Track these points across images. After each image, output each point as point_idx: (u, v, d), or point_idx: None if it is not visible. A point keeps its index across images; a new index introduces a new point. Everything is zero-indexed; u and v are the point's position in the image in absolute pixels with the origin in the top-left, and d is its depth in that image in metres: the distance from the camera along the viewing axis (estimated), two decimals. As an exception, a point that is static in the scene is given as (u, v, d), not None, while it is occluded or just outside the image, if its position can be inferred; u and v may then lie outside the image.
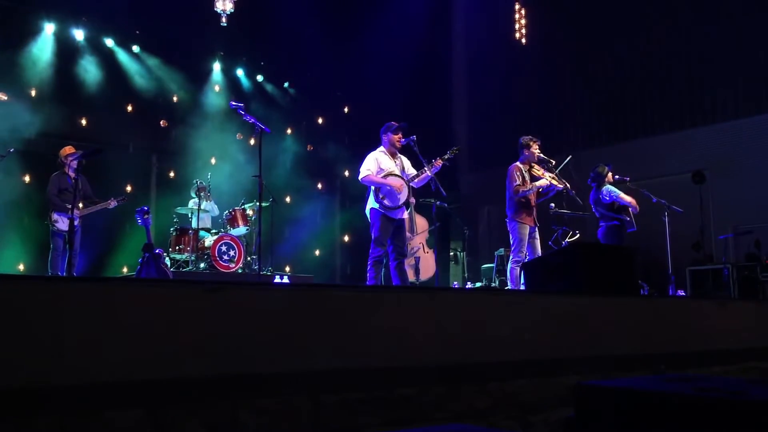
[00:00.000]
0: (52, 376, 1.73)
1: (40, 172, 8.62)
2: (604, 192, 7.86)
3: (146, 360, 1.88)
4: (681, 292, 8.98)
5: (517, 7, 13.16)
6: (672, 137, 11.13)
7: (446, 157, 6.39)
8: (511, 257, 6.92)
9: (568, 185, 6.93)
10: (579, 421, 1.79)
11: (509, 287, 7.09)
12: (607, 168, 8.06)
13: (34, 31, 9.67)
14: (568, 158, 7.27)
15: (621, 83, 11.93)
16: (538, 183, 6.84)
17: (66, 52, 9.86)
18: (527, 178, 6.88)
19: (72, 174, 7.50)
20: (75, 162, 7.46)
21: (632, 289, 4.64)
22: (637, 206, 7.84)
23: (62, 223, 7.43)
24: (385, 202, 6.20)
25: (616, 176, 8.06)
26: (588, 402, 1.79)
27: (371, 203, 6.31)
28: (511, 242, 6.90)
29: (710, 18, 10.72)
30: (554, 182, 6.88)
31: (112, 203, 7.89)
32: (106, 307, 1.86)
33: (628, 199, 7.81)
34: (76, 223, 7.16)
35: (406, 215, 6.38)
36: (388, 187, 6.24)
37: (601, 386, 1.84)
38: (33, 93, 9.43)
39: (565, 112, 12.59)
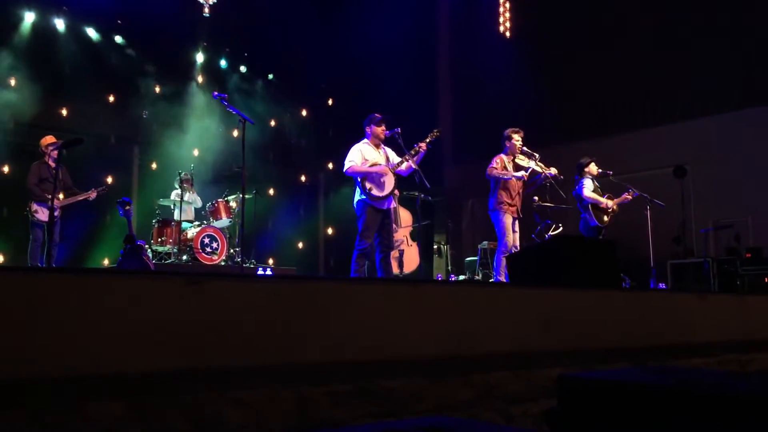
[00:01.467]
0: (31, 368, 1.71)
1: (20, 161, 8.52)
2: (579, 184, 7.96)
3: (127, 352, 1.86)
4: (662, 285, 9.06)
5: (501, 0, 13.19)
6: (654, 132, 11.22)
7: (427, 140, 6.41)
8: (498, 247, 6.98)
9: (555, 171, 7.01)
10: (561, 413, 1.81)
11: (494, 278, 7.13)
12: (588, 159, 8.11)
13: (15, 20, 9.50)
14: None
15: (604, 78, 11.98)
16: (517, 174, 6.91)
17: (47, 41, 9.71)
18: (510, 168, 6.98)
19: (52, 164, 7.42)
20: (55, 152, 7.37)
21: (614, 282, 4.68)
22: (608, 203, 7.87)
23: (42, 214, 7.35)
24: (373, 192, 6.19)
25: (600, 170, 8.10)
26: (570, 393, 1.80)
27: (358, 195, 6.30)
28: (497, 232, 6.96)
29: (692, 14, 10.79)
30: (538, 169, 6.98)
31: (93, 194, 7.81)
32: (86, 299, 1.84)
33: (591, 196, 7.84)
34: (56, 213, 7.09)
35: (394, 205, 6.38)
36: (374, 174, 6.23)
37: (583, 378, 1.86)
38: (13, 83, 9.28)
39: (549, 105, 12.63)
